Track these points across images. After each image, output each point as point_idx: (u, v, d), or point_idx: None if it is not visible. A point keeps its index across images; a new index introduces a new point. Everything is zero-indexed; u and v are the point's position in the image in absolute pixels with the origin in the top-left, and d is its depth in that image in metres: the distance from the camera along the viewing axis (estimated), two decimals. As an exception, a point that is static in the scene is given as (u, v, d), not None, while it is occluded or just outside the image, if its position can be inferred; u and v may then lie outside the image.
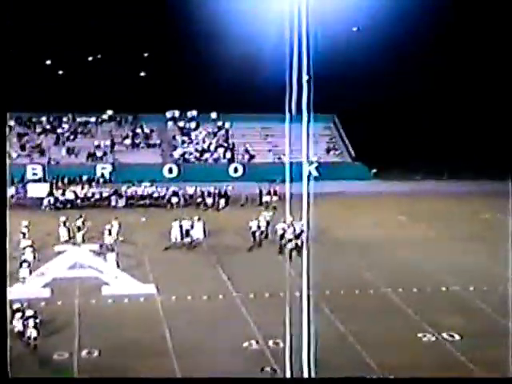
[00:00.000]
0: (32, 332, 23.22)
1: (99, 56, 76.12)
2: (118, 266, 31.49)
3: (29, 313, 23.95)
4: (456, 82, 69.02)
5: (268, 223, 37.32)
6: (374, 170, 60.75)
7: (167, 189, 48.50)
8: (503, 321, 25.94)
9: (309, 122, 19.05)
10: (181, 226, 36.48)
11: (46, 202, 46.20)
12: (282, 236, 34.92)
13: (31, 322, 23.48)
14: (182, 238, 36.29)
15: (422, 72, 68.26)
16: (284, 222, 34.72)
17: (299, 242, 32.67)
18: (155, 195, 48.09)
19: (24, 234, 34.48)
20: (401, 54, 67.22)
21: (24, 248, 32.40)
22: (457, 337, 24.63)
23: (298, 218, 20.37)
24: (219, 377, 19.26)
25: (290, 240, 33.69)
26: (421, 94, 67.92)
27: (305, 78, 18.53)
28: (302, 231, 32.12)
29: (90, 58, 76.40)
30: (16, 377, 15.44)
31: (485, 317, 26.92)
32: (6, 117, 15.88)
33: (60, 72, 73.50)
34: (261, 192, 47.79)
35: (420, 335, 24.77)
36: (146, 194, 48.10)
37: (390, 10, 62.25)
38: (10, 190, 46.01)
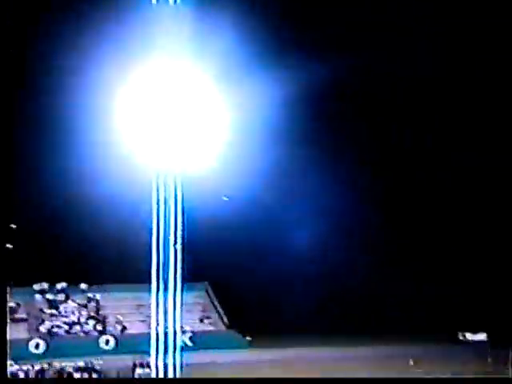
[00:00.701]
0: None
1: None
2: None
3: None
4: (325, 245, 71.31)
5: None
6: (249, 338, 60.40)
7: (33, 366, 45.95)
8: None
9: (181, 290, 18.88)
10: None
11: None
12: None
13: None
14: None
15: (294, 240, 70.22)
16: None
17: None
18: (20, 374, 45.36)
19: None
20: (270, 221, 69.28)
21: None
22: None
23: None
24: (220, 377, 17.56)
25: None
26: (290, 262, 69.43)
27: (172, 246, 18.56)
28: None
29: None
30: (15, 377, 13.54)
31: None
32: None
33: None
34: (134, 365, 46.15)
35: None
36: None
37: (260, 178, 64.65)
38: None
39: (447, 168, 70.70)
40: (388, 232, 71.93)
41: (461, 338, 65.71)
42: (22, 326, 58.13)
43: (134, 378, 17.91)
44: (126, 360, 47.40)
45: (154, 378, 17.91)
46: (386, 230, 71.90)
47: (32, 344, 54.67)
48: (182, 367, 18.78)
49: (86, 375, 45.19)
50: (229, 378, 17.19)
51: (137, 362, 45.99)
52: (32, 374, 45.04)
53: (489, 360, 52.84)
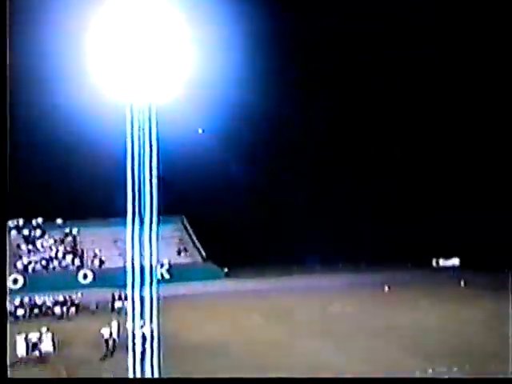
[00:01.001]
0: None
1: None
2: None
3: None
4: (298, 176, 71.74)
5: (119, 330, 36.21)
6: (226, 270, 61.08)
7: (12, 301, 46.26)
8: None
9: (158, 224, 18.95)
10: (27, 339, 34.66)
11: None
12: (132, 342, 33.95)
13: None
14: (28, 353, 34.42)
15: (268, 170, 70.52)
16: (130, 328, 33.92)
17: (144, 349, 31.99)
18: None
19: None
20: (246, 153, 69.34)
21: None
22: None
23: (149, 322, 19.90)
24: (221, 377, 18.09)
25: (138, 346, 32.90)
26: (267, 192, 69.87)
27: (148, 180, 18.57)
28: (152, 336, 31.47)
29: None
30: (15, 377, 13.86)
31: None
32: None
33: None
34: (113, 298, 46.62)
35: None
36: (-12, 307, 45.55)
37: (238, 112, 64.39)
38: None
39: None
40: (365, 156, 72.36)
41: (434, 264, 67.02)
42: None
43: (134, 378, 17.93)
44: (105, 293, 47.89)
45: (154, 378, 18.05)
46: (363, 154, 72.31)
47: (10, 279, 54.80)
48: (158, 300, 18.96)
49: (65, 309, 45.64)
50: (230, 378, 17.48)
51: (115, 295, 46.49)
52: (11, 309, 45.39)
53: (461, 284, 54.18)
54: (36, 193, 63.67)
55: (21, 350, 34.29)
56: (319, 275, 58.47)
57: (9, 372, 32.40)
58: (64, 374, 32.05)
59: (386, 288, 52.36)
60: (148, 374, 19.29)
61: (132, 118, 18.46)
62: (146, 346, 33.17)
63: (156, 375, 18.77)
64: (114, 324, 36.41)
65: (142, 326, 33.14)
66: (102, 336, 35.72)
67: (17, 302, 46.06)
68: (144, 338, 33.00)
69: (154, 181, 19.01)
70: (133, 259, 19.07)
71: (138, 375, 19.68)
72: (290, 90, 67.77)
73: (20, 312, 45.10)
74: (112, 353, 35.14)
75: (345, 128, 71.92)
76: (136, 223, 18.66)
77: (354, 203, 69.74)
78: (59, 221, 62.88)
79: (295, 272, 60.50)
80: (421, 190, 71.00)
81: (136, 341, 33.33)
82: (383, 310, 44.88)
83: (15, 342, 34.49)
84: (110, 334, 35.71)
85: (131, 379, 18.08)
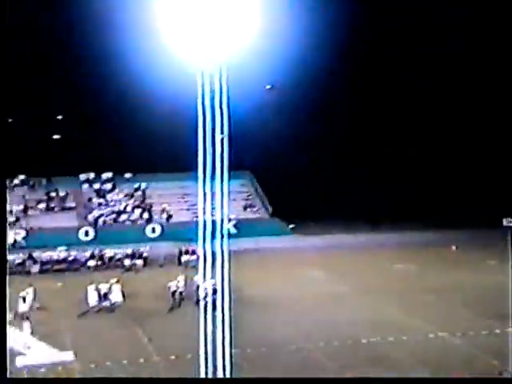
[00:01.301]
0: None
1: (10, 120, 74.90)
2: (38, 336, 30.42)
3: None
4: (371, 136, 71.11)
5: (186, 283, 36.96)
6: (292, 226, 61.28)
7: (84, 252, 47.61)
8: (424, 370, 26.25)
9: (224, 179, 19.12)
10: (98, 290, 35.75)
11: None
12: (198, 295, 34.71)
13: None
14: (99, 302, 35.53)
15: (335, 127, 70.02)
16: (199, 281, 34.61)
17: (213, 301, 32.63)
18: (71, 259, 47.07)
19: None
20: (313, 110, 68.94)
21: None
22: (379, 388, 24.70)
23: (215, 276, 20.27)
24: (219, 377, 18.69)
25: (205, 299, 33.50)
26: (334, 148, 69.56)
27: (219, 136, 18.67)
28: (218, 290, 32.04)
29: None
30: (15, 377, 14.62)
31: (406, 367, 27.16)
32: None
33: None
34: (180, 252, 47.45)
35: (343, 389, 24.72)
36: (61, 258, 47.01)
37: (303, 67, 63.89)
38: None
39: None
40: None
41: (505, 223, 65.56)
42: (71, 215, 59.75)
43: (134, 378, 18.23)
44: (172, 247, 48.75)
45: (164, 378, 18.32)
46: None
47: (82, 232, 56.24)
48: (225, 254, 19.20)
49: (133, 261, 46.69)
50: (230, 379, 17.62)
51: (183, 249, 47.29)
52: (82, 260, 46.75)
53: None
54: (107, 147, 64.96)
55: (92, 300, 35.43)
56: (385, 232, 58.10)
57: (78, 321, 33.58)
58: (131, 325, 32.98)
59: (454, 247, 51.79)
60: (213, 326, 19.70)
61: (202, 74, 18.54)
62: (212, 299, 34.02)
63: (221, 327, 19.12)
64: (181, 277, 37.19)
65: (208, 280, 33.92)
66: (169, 288, 36.58)
67: (88, 253, 47.37)
68: (210, 291, 33.78)
69: (223, 136, 19.13)
70: (201, 214, 19.32)
71: (202, 327, 20.10)
72: (357, 48, 66.90)
73: (91, 263, 46.39)
74: (179, 305, 35.98)
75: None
76: (204, 178, 18.86)
77: (425, 160, 68.84)
78: (128, 175, 63.88)
79: (361, 229, 60.24)
80: (490, 148, 69.52)
81: (203, 294, 34.20)
82: (449, 269, 44.50)
83: (86, 291, 35.68)
84: (177, 287, 36.52)
85: (134, 379, 18.49)
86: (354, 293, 39.27)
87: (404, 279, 42.28)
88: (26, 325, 31.01)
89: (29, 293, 35.15)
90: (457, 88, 69.98)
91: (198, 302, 32.85)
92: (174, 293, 36.34)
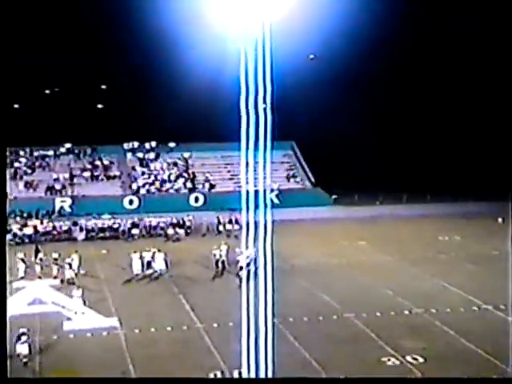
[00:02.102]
0: None
1: (56, 89, 75.78)
2: (84, 302, 31.03)
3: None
4: (414, 107, 70.25)
5: (228, 252, 37.26)
6: (334, 196, 61.12)
7: (128, 220, 48.21)
8: (465, 341, 26.17)
9: (268, 149, 19.10)
10: (142, 258, 36.25)
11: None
12: (240, 264, 35.10)
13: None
14: (143, 270, 36.05)
15: (378, 99, 69.31)
16: (242, 250, 35.02)
17: (255, 270, 33.03)
18: (115, 227, 47.72)
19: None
20: (357, 80, 68.25)
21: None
22: (420, 359, 24.74)
23: (258, 245, 20.36)
24: (220, 377, 18.98)
25: (248, 267, 34.01)
26: (378, 119, 68.88)
27: (262, 106, 18.63)
28: (259, 259, 32.42)
29: (47, 91, 76.02)
30: (15, 377, 15.03)
31: (447, 338, 27.10)
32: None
33: (16, 106, 72.98)
34: (222, 221, 47.72)
35: (384, 359, 24.82)
36: (106, 226, 47.68)
37: (347, 37, 63.17)
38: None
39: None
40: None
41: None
42: (116, 183, 60.42)
43: (134, 378, 18.35)
44: (215, 216, 49.06)
45: (171, 378, 18.43)
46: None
47: (126, 200, 56.86)
48: (267, 224, 19.25)
49: (176, 230, 47.13)
50: (230, 379, 17.63)
51: (225, 219, 47.57)
52: (125, 228, 47.35)
53: None
54: (151, 116, 65.31)
55: (136, 268, 35.95)
56: (429, 204, 57.62)
57: (122, 287, 34.12)
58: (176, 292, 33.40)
59: (500, 220, 51.09)
60: (255, 295, 19.85)
61: (245, 43, 18.49)
62: (254, 268, 34.46)
63: (263, 296, 19.26)
64: (224, 246, 37.51)
65: (250, 249, 34.29)
66: (214, 256, 36.97)
67: (131, 222, 47.95)
68: (252, 260, 34.20)
69: (266, 106, 19.09)
70: (244, 183, 19.38)
71: (245, 295, 20.26)
72: (402, 19, 65.74)
73: (135, 231, 46.95)
74: (222, 274, 36.33)
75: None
76: (247, 148, 18.88)
77: (473, 131, 67.71)
78: (172, 144, 64.23)
79: (405, 200, 59.85)
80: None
81: (245, 263, 34.66)
82: (494, 241, 43.97)
83: (131, 259, 36.21)
84: (220, 255, 36.87)
85: (141, 379, 18.62)
86: (398, 263, 39.20)
87: (448, 250, 41.99)
88: (72, 290, 31.64)
89: (74, 259, 35.84)
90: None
91: (240, 270, 33.35)
92: (217, 261, 36.75)
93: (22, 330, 24.97)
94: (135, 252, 36.48)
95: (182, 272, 36.90)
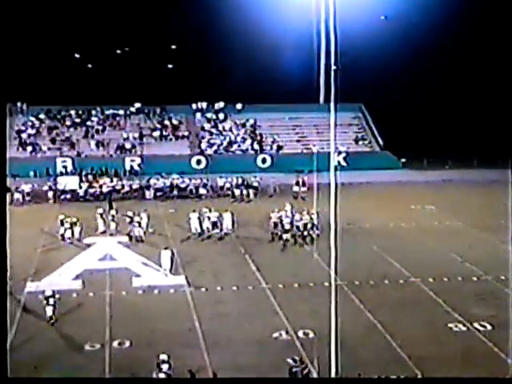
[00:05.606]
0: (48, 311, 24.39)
1: (127, 49, 76.51)
2: (147, 257, 31.59)
3: (48, 293, 24.88)
4: (483, 69, 68.42)
5: (293, 214, 37.07)
6: (403, 160, 60.33)
7: (195, 180, 48.66)
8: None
9: (336, 111, 18.93)
10: (209, 218, 36.58)
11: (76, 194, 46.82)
12: (305, 226, 35.17)
13: (51, 301, 24.59)
14: (210, 230, 36.42)
15: (450, 61, 67.74)
16: (307, 212, 35.19)
17: (319, 232, 33.75)
18: (183, 186, 48.23)
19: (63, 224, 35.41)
20: (428, 43, 66.76)
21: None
22: (488, 327, 24.40)
23: (326, 208, 20.28)
24: (221, 377, 19.22)
25: (314, 229, 34.53)
26: (448, 82, 67.41)
27: (332, 67, 18.44)
28: (317, 222, 33.20)
29: (119, 51, 76.86)
30: (15, 376, 15.47)
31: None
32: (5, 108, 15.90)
33: (89, 65, 74.08)
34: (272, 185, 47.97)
35: (451, 325, 24.56)
36: (174, 185, 48.23)
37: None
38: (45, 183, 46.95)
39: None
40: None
41: None
42: (184, 143, 60.96)
43: (134, 378, 18.38)
44: (282, 178, 49.04)
45: (171, 378, 18.37)
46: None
47: (194, 160, 57.33)
48: (338, 185, 19.15)
49: (244, 191, 47.31)
50: (232, 378, 17.41)
51: (293, 181, 47.44)
52: (193, 188, 47.82)
53: None
54: (219, 77, 65.37)
55: (203, 227, 36.37)
56: (501, 168, 56.28)
57: (190, 246, 34.57)
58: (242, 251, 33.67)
59: None
60: (320, 257, 19.88)
61: (317, 6, 18.27)
62: (318, 230, 34.84)
63: (327, 259, 19.26)
64: (288, 208, 37.40)
65: (315, 211, 34.42)
66: (280, 219, 36.70)
67: (199, 181, 48.39)
68: (316, 222, 34.49)
69: (336, 68, 18.88)
70: (313, 145, 19.32)
71: (311, 258, 20.34)
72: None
73: (202, 191, 47.38)
74: (282, 235, 35.93)
75: None
76: (316, 110, 18.76)
77: None
78: (240, 106, 64.24)
79: (474, 165, 58.62)
80: None
81: (310, 225, 34.91)
82: None
83: (198, 218, 36.62)
84: (287, 216, 36.64)
85: (141, 379, 18.55)
86: (467, 229, 38.58)
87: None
88: (142, 248, 32.23)
89: (143, 218, 36.44)
90: None
91: (285, 233, 33.89)
92: (276, 223, 36.41)
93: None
94: (200, 211, 36.86)
95: (249, 233, 37.09)
